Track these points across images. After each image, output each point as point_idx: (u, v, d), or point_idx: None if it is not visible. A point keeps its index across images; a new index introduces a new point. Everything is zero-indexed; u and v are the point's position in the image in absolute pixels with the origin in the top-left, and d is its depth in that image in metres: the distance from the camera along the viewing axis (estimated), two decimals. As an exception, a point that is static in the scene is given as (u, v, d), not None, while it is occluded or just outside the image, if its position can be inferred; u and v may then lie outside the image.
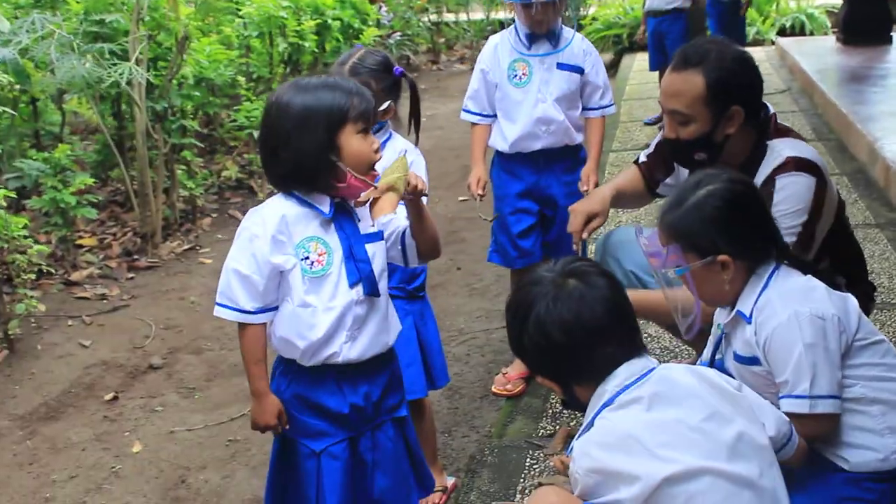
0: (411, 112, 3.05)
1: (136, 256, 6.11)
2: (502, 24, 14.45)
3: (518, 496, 3.01)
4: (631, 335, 2.17)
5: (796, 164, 2.82)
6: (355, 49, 3.12)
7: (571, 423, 3.42)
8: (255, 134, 6.60)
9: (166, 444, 3.98)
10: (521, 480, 3.11)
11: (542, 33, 3.80)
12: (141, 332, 5.08)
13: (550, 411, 3.61)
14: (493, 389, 3.94)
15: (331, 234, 2.40)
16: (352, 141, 2.34)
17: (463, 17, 14.36)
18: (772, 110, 3.01)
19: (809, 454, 2.30)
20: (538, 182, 3.88)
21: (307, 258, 2.36)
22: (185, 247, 6.32)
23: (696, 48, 2.98)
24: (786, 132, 3.01)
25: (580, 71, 3.82)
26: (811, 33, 12.60)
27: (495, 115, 3.91)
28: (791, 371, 2.31)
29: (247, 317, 2.36)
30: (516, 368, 3.91)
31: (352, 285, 2.41)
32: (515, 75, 3.81)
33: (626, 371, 2.11)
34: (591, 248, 3.22)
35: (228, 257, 2.37)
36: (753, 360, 2.41)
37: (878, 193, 5.81)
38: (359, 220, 2.46)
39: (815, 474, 2.35)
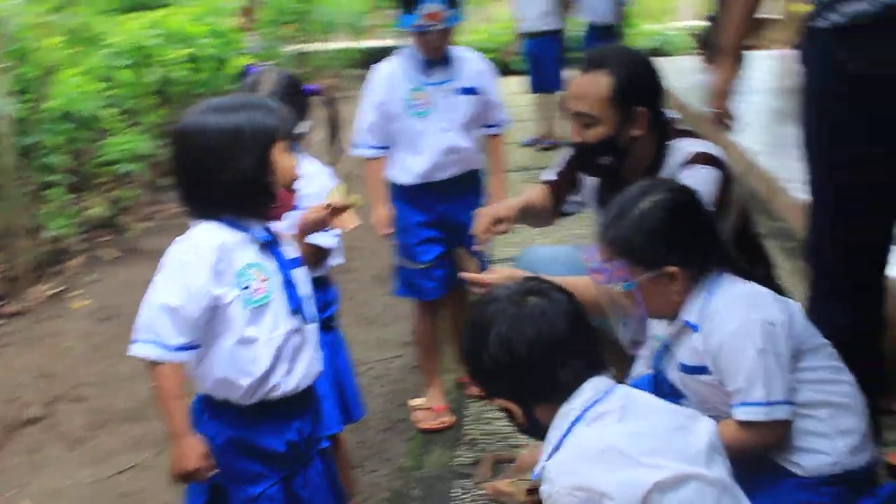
0: (331, 132, 2.91)
1: (3, 302, 5.75)
2: (369, 53, 14.47)
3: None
4: (593, 351, 2.09)
5: (701, 159, 2.81)
6: (261, 69, 2.96)
7: (493, 449, 3.32)
8: (126, 168, 6.36)
9: (56, 501, 3.69)
10: (450, 511, 2.99)
11: (438, 59, 3.64)
12: (15, 381, 4.75)
13: (466, 438, 3.49)
14: (424, 426, 3.72)
15: (268, 259, 2.26)
16: (282, 158, 2.23)
17: (329, 45, 14.27)
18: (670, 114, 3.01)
19: (762, 461, 2.26)
20: (446, 211, 3.71)
21: (248, 287, 2.20)
22: (56, 290, 5.99)
23: (603, 51, 2.98)
24: (686, 133, 3.01)
25: (477, 92, 3.69)
26: (668, 55, 12.97)
27: (388, 147, 3.72)
28: (745, 378, 2.25)
29: (170, 354, 2.12)
30: (435, 399, 3.77)
31: (292, 312, 2.27)
32: (415, 105, 3.61)
33: (591, 387, 2.01)
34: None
35: (152, 291, 2.14)
36: (702, 370, 2.34)
37: (761, 205, 5.92)
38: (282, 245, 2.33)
39: (769, 481, 2.29)
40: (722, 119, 3.09)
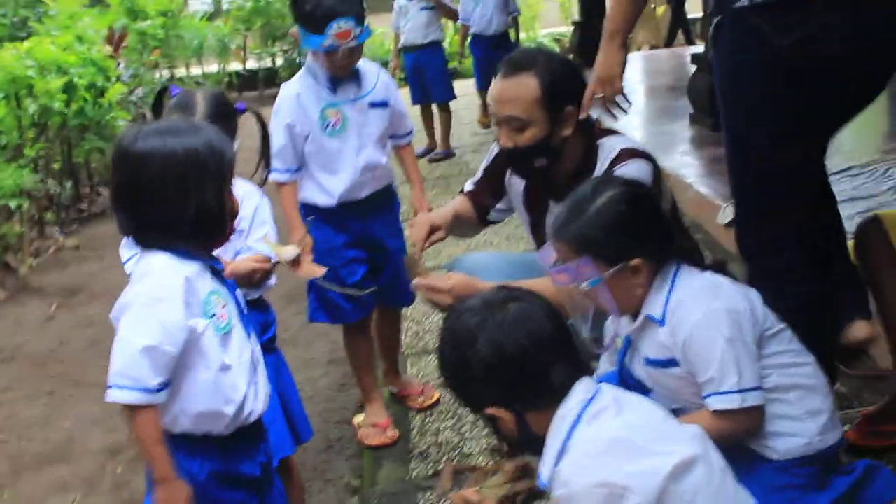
0: (263, 149, 2.81)
1: None
2: (239, 75, 14.28)
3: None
4: (576, 353, 2.11)
5: (631, 154, 2.86)
6: (187, 90, 2.86)
7: (446, 460, 3.30)
8: (10, 203, 6.09)
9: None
10: (421, 522, 2.95)
11: (345, 76, 3.52)
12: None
13: (416, 451, 3.46)
14: (372, 443, 3.63)
15: (220, 286, 2.20)
16: (232, 188, 2.17)
17: (197, 70, 14.02)
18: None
19: (736, 448, 2.30)
20: (364, 229, 3.61)
21: (214, 315, 2.13)
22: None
23: (523, 55, 3.00)
24: (610, 131, 3.06)
25: (388, 104, 3.61)
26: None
27: (299, 169, 3.58)
28: (716, 368, 2.29)
29: (150, 396, 2.02)
30: (377, 415, 3.71)
31: (248, 335, 2.24)
32: (328, 124, 3.48)
33: (582, 388, 2.04)
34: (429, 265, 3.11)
35: (122, 334, 2.03)
36: (669, 363, 2.37)
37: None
38: None
39: (745, 467, 2.34)
40: (609, 105, 3.07)
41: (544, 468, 2.03)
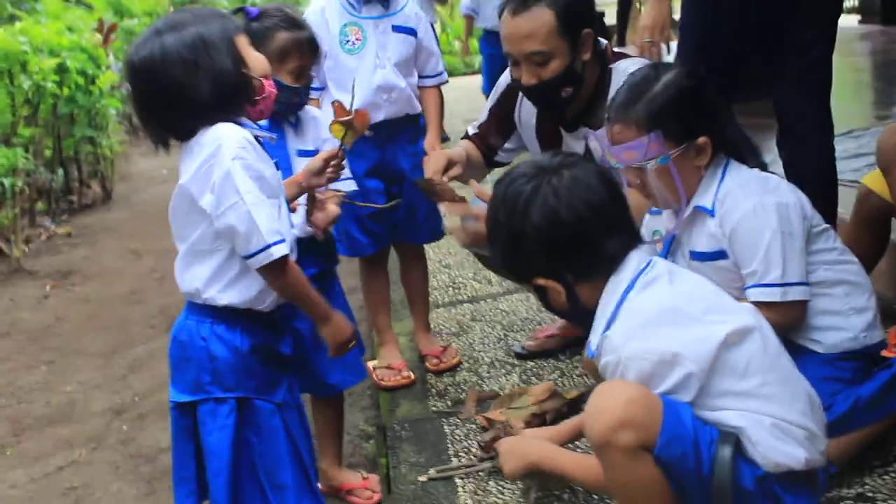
0: None
1: None
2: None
3: (454, 460, 2.76)
4: (632, 223, 2.06)
5: None
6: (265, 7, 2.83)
7: (476, 388, 3.22)
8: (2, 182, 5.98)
9: (-3, 502, 3.39)
10: (449, 446, 2.86)
11: None
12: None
13: (434, 391, 3.37)
14: (388, 384, 3.49)
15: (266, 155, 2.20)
16: (249, 51, 2.16)
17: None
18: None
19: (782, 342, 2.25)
20: (383, 157, 3.52)
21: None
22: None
23: None
24: (623, 55, 3.03)
25: (415, 34, 3.55)
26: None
27: (323, 88, 3.51)
28: (761, 260, 2.26)
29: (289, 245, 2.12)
30: (392, 356, 3.61)
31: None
32: (348, 41, 3.43)
33: (636, 257, 2.00)
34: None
35: (244, 198, 2.02)
36: (719, 255, 2.33)
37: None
38: None
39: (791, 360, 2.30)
40: (652, 50, 3.11)
41: (593, 336, 1.97)
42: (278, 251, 2.04)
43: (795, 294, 2.28)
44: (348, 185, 2.90)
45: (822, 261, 2.37)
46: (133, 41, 2.18)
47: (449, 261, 4.86)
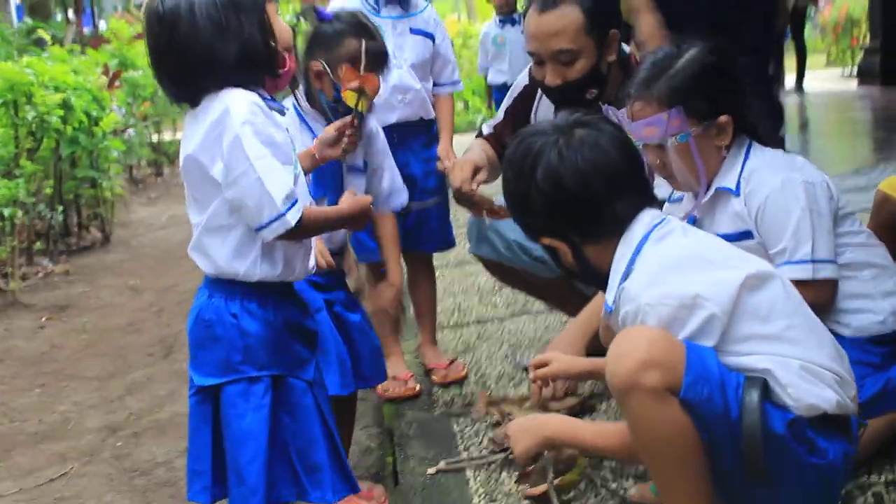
0: None
1: None
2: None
3: (465, 453, 2.66)
4: (646, 184, 2.02)
5: None
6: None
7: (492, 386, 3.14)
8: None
9: (-14, 511, 3.27)
10: (459, 442, 2.77)
11: None
12: None
13: (440, 401, 3.28)
14: (392, 395, 3.40)
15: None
16: (278, 20, 2.11)
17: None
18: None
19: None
20: (395, 161, 3.51)
21: None
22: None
23: None
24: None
25: (433, 39, 3.55)
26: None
27: None
28: (790, 237, 2.21)
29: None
30: (397, 367, 3.49)
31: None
32: None
33: (648, 215, 1.95)
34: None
35: (256, 161, 1.95)
36: (744, 235, 2.29)
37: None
38: None
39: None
40: None
41: (609, 293, 1.91)
42: (293, 217, 1.96)
43: (826, 272, 2.23)
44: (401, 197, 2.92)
45: (849, 243, 2.32)
46: None
47: (455, 288, 4.80)
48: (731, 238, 2.28)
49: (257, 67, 2.05)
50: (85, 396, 4.34)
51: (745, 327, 1.80)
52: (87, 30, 17.90)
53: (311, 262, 2.19)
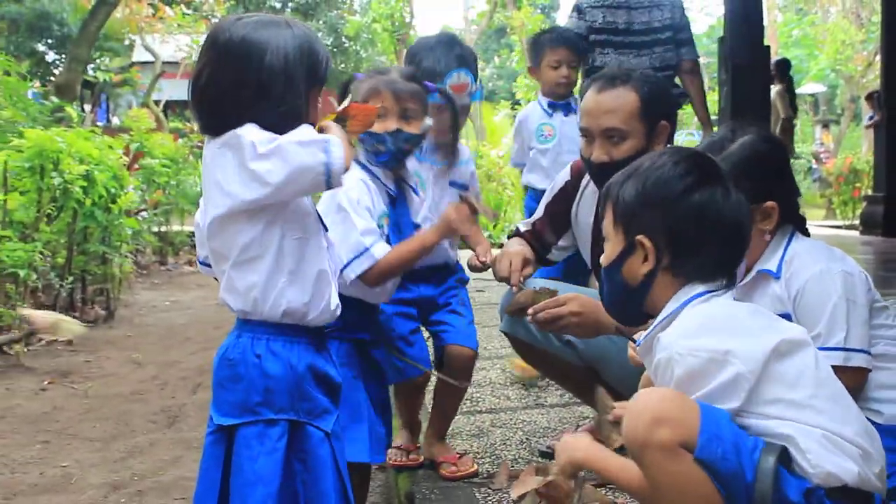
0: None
1: None
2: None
3: (490, 516, 2.64)
4: (738, 263, 2.06)
5: None
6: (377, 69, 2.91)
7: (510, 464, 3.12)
8: (16, 272, 5.93)
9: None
10: (482, 504, 2.74)
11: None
12: None
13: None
14: (394, 463, 3.34)
15: None
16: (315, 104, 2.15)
17: (190, 227, 14.10)
18: None
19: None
20: (420, 291, 3.33)
21: None
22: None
23: (618, 70, 3.06)
24: None
25: (466, 188, 3.43)
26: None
27: None
28: (825, 323, 2.26)
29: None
30: (404, 439, 3.44)
31: None
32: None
33: (715, 284, 2.00)
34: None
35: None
36: (783, 318, 2.32)
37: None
38: None
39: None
40: None
41: (644, 333, 1.97)
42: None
43: (857, 360, 2.27)
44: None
45: (883, 336, 2.37)
46: (228, 23, 2.08)
47: (466, 380, 4.78)
48: (770, 320, 2.34)
49: (293, 123, 2.04)
50: (87, 455, 4.30)
51: (772, 391, 1.83)
52: (100, 124, 18.21)
53: (337, 302, 2.18)
